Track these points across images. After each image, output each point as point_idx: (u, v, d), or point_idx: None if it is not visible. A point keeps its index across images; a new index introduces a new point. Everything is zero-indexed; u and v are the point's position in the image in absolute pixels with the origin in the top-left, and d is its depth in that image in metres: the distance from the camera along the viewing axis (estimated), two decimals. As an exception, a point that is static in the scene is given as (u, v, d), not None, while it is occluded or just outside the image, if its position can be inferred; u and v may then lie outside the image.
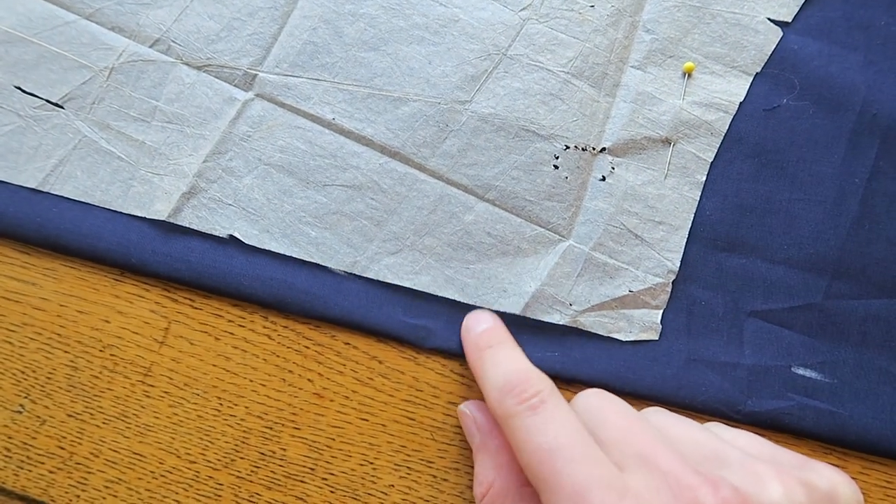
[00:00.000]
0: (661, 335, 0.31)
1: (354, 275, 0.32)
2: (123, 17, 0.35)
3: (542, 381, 0.25)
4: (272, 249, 0.32)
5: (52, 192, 0.33)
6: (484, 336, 0.29)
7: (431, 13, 0.35)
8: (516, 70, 0.34)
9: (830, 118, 0.33)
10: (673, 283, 0.31)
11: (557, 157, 0.33)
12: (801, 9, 0.34)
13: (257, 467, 0.30)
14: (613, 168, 0.33)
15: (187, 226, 0.32)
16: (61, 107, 0.34)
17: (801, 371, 0.30)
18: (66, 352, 0.31)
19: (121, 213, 0.33)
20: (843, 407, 0.30)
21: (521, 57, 0.34)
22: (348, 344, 0.32)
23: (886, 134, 0.32)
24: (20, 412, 0.31)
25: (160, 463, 0.30)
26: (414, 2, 0.35)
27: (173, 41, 0.35)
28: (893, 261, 0.31)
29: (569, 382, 0.31)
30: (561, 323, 0.31)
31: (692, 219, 0.32)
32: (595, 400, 0.26)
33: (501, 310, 0.31)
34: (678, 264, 0.32)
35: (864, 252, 0.31)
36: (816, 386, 0.30)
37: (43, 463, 0.30)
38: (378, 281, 0.32)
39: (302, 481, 0.30)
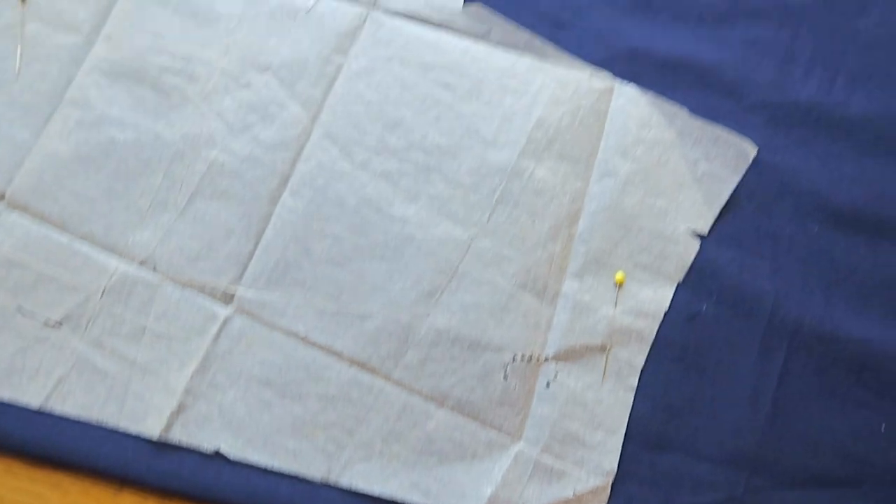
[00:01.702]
0: (603, 531, 0.35)
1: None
2: (113, 238, 0.39)
3: None
4: (254, 463, 0.36)
5: (53, 411, 0.37)
6: None
7: (390, 231, 0.39)
8: (467, 285, 0.38)
9: (744, 323, 0.37)
10: (612, 483, 0.35)
11: (507, 367, 0.37)
12: (717, 219, 0.38)
13: None
14: (556, 374, 0.37)
15: (177, 443, 0.36)
16: (60, 324, 0.38)
17: (725, 563, 0.35)
18: (72, 566, 0.35)
19: (117, 430, 0.36)
20: None
21: (471, 272, 0.38)
22: (327, 548, 0.35)
23: (793, 337, 0.37)
24: None
25: None
26: (374, 221, 0.39)
27: (159, 260, 0.39)
28: (804, 455, 0.35)
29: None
30: (514, 523, 0.35)
31: (627, 421, 0.36)
32: None
33: (462, 510, 0.35)
34: (615, 465, 0.36)
35: (777, 447, 0.36)
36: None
37: None
38: (351, 488, 0.36)
39: None
